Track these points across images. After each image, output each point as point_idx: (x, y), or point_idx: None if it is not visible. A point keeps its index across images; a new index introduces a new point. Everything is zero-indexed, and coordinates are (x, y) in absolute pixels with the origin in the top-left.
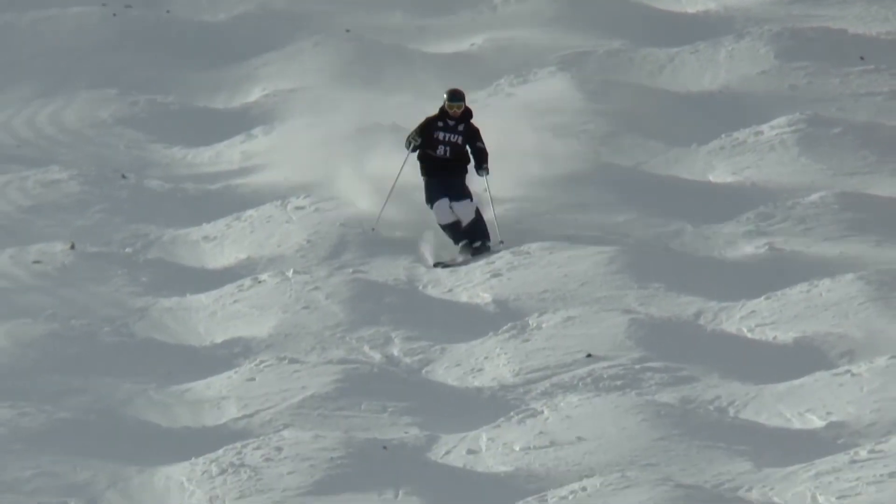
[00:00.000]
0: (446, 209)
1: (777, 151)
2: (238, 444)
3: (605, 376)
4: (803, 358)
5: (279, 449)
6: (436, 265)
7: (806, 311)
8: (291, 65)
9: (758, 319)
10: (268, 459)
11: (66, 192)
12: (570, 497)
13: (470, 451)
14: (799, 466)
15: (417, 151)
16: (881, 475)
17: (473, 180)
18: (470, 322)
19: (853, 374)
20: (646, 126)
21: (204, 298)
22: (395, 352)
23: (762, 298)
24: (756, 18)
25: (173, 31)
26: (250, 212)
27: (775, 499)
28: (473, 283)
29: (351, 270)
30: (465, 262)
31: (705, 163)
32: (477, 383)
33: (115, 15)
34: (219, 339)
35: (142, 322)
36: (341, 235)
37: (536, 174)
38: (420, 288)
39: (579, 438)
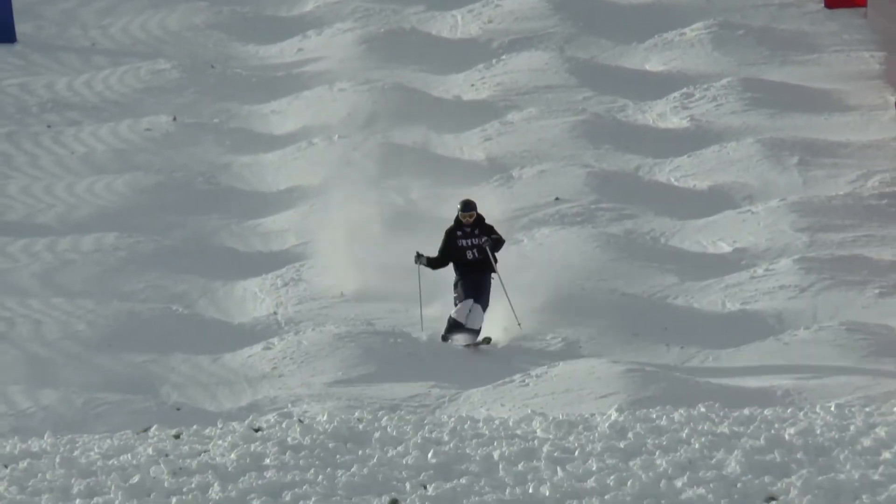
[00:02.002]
0: (465, 311)
1: (696, 48)
2: (296, 264)
3: (569, 214)
4: (716, 200)
5: (326, 268)
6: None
7: (717, 166)
8: None
9: (682, 172)
10: (318, 275)
11: (169, 78)
12: (546, 300)
13: None
14: (712, 281)
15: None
16: (773, 287)
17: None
18: (470, 174)
19: (753, 213)
20: (598, 29)
21: (271, 156)
22: (414, 196)
23: (685, 156)
24: None
25: None
26: (306, 92)
27: (694, 305)
28: (471, 145)
29: (381, 136)
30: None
31: (643, 56)
32: None
33: None
34: (282, 187)
35: (226, 174)
36: (373, 112)
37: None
38: (431, 149)
39: (550, 258)
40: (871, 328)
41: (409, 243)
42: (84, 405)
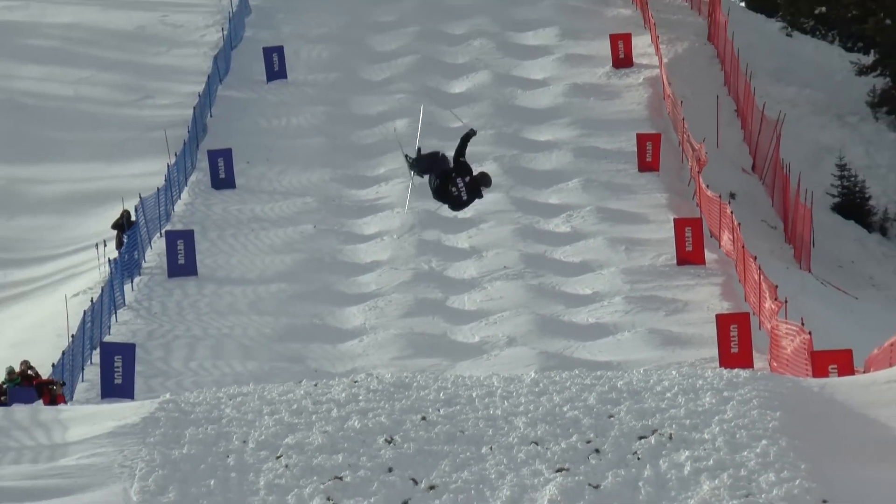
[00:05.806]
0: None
1: (574, 191)
2: (375, 299)
3: (511, 274)
4: (583, 268)
5: (390, 301)
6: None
7: (584, 251)
8: None
9: (566, 254)
10: (387, 304)
11: (311, 206)
12: (499, 318)
13: (460, 303)
14: (582, 307)
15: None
16: (612, 311)
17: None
18: (459, 253)
19: (602, 274)
20: (527, 181)
21: (363, 245)
22: (434, 265)
23: (568, 246)
24: None
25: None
26: (380, 213)
27: (573, 320)
28: (461, 238)
29: (417, 235)
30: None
31: (547, 196)
32: (463, 276)
33: None
34: (368, 261)
35: (340, 254)
36: (413, 223)
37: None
38: (443, 241)
39: (501, 297)
40: (661, 332)
41: (432, 287)
42: (269, 369)
